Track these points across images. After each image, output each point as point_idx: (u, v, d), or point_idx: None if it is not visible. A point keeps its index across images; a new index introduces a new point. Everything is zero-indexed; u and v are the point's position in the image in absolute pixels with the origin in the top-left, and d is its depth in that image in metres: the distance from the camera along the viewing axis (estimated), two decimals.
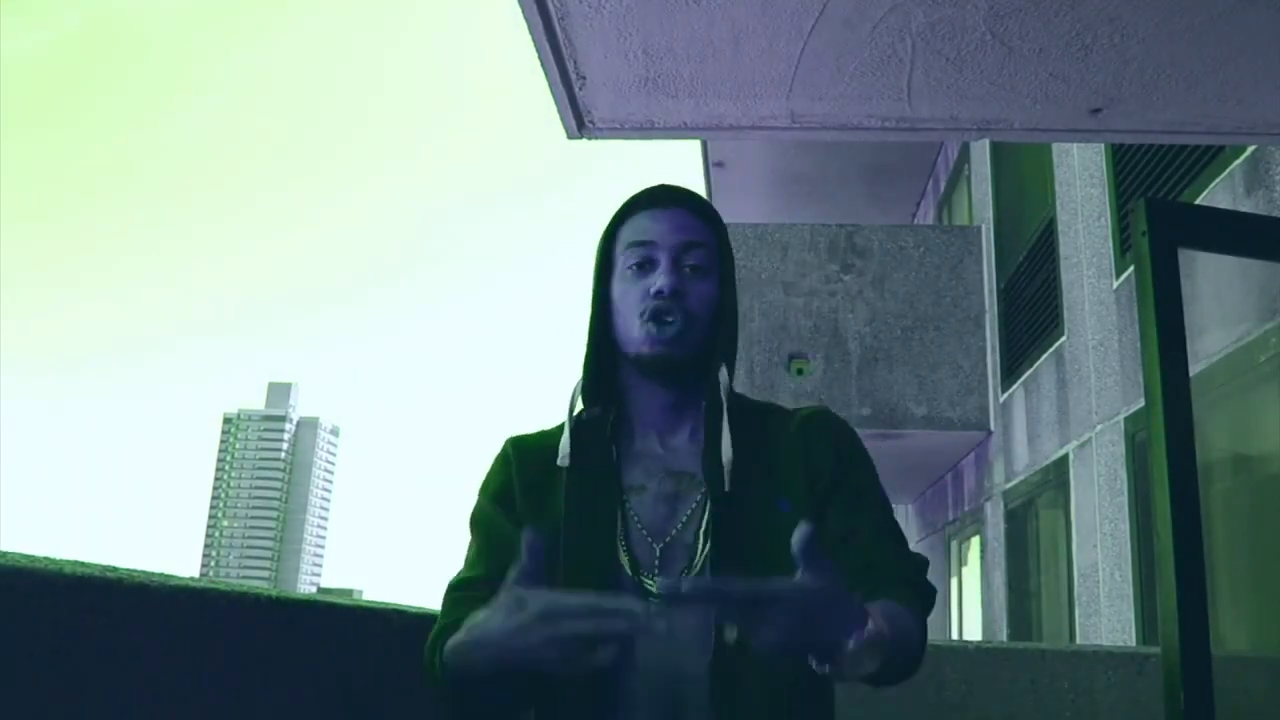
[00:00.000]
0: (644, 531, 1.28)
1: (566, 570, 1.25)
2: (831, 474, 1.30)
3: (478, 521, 1.37)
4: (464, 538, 1.44)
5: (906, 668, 1.16)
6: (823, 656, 0.99)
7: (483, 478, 1.40)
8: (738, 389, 1.36)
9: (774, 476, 1.29)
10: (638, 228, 1.34)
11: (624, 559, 1.26)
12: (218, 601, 1.37)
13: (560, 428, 1.36)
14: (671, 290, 1.28)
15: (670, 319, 1.28)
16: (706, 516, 1.26)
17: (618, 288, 1.33)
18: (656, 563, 1.26)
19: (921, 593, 1.24)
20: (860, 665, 0.99)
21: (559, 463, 1.31)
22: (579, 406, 1.36)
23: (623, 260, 1.34)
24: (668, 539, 1.27)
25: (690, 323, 1.29)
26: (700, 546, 1.25)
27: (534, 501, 1.32)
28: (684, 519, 1.28)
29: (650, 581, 1.24)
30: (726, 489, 1.25)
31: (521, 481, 1.34)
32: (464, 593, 1.30)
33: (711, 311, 1.32)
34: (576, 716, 1.24)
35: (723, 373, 1.32)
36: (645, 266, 1.32)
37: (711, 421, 1.30)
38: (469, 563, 1.35)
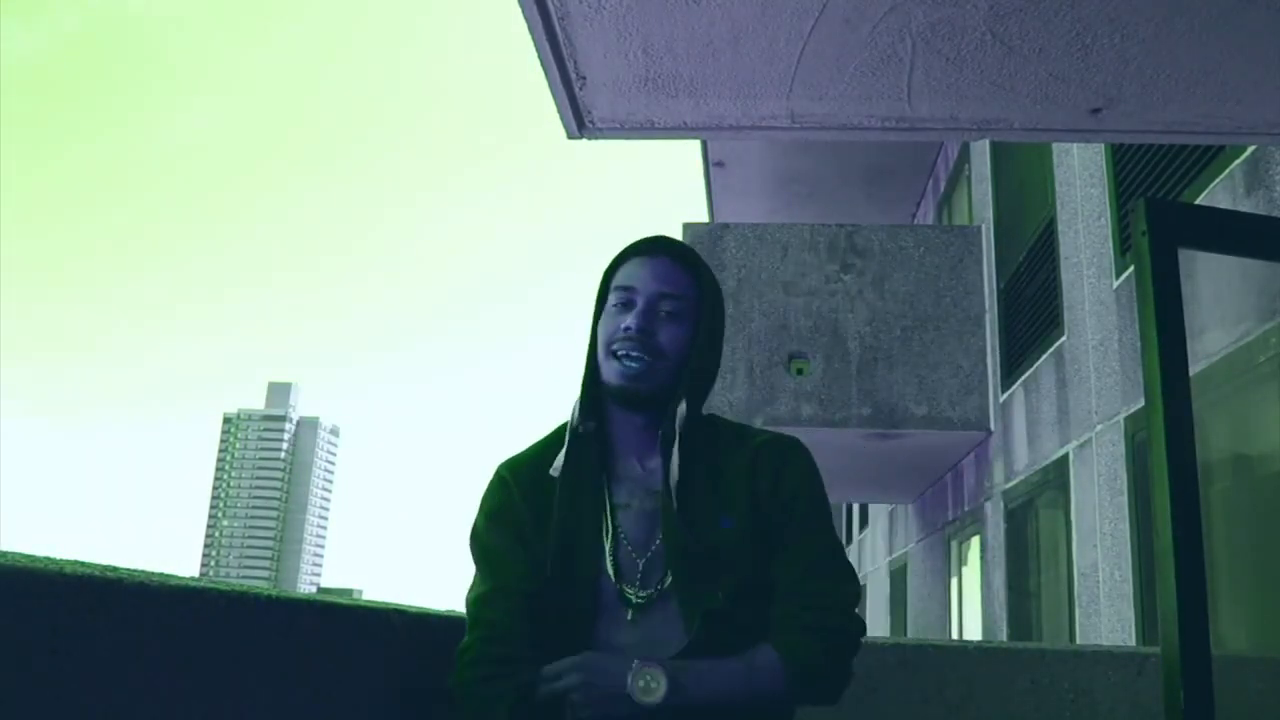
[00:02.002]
0: (629, 546, 1.42)
1: (554, 577, 1.40)
2: (776, 499, 1.44)
3: (482, 548, 1.49)
4: (464, 540, 1.47)
5: (801, 696, 1.36)
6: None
7: (480, 502, 1.51)
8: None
9: (719, 494, 1.43)
10: (626, 273, 1.49)
11: (610, 569, 1.41)
12: (218, 601, 1.37)
13: (546, 442, 1.52)
14: (639, 329, 1.43)
15: (634, 355, 1.43)
16: (663, 541, 1.41)
17: (601, 323, 1.49)
18: (639, 575, 1.41)
19: (825, 636, 1.37)
20: (649, 695, 1.27)
21: (550, 471, 1.45)
22: (575, 423, 1.49)
23: (610, 300, 1.49)
24: (650, 552, 1.42)
25: (656, 359, 1.44)
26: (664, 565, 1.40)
27: (536, 515, 1.45)
28: (660, 535, 1.42)
29: (631, 591, 1.40)
30: (674, 508, 1.39)
31: (523, 499, 1.47)
32: (485, 618, 1.44)
33: (680, 352, 1.46)
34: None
35: (682, 406, 1.44)
36: (625, 307, 1.47)
37: (665, 449, 1.44)
38: (481, 594, 1.46)
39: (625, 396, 1.45)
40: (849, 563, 1.46)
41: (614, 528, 1.43)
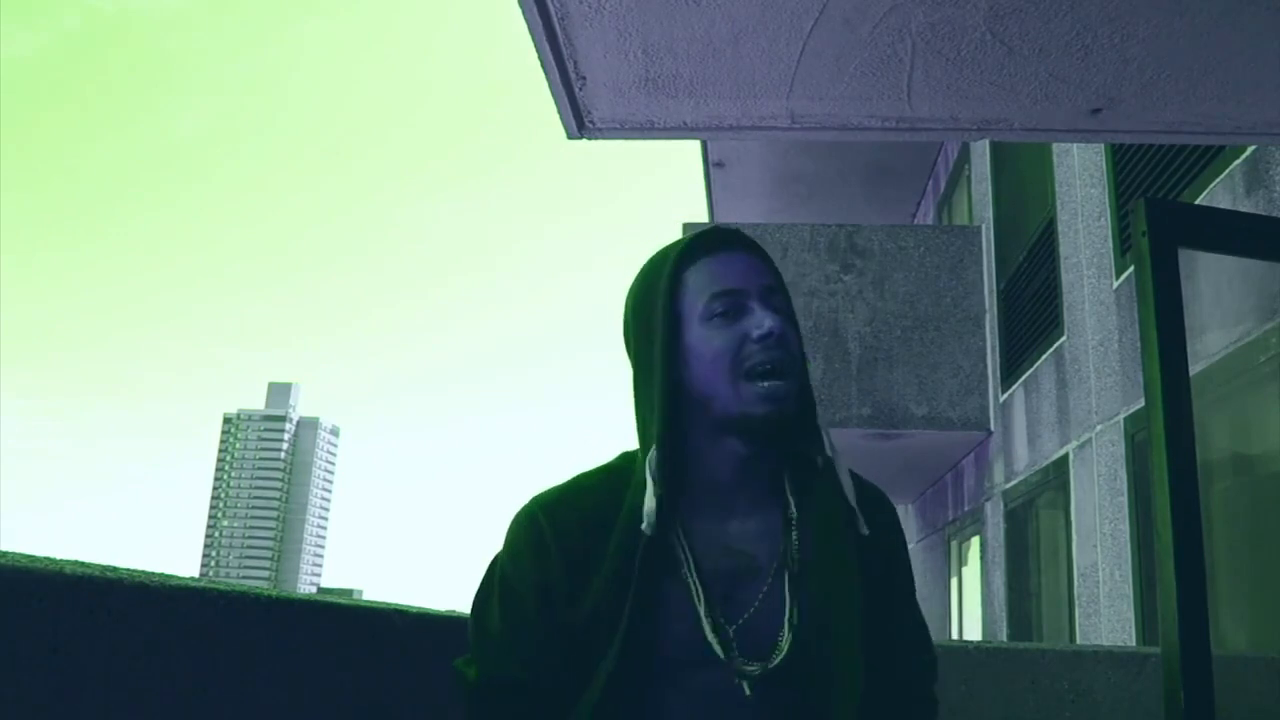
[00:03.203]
0: (717, 613, 1.15)
1: (644, 654, 1.13)
2: (889, 565, 1.23)
3: (509, 605, 1.19)
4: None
5: None
6: None
7: (511, 544, 1.20)
8: None
9: (843, 562, 1.17)
10: (713, 274, 1.18)
11: (713, 640, 1.13)
12: (217, 601, 1.37)
13: (589, 484, 1.21)
14: (780, 335, 1.14)
15: (781, 372, 1.13)
16: (788, 600, 1.16)
17: (700, 336, 1.16)
18: (734, 645, 1.14)
19: (928, 710, 1.27)
20: None
21: (644, 529, 1.12)
22: (651, 479, 1.15)
23: (704, 309, 1.16)
24: (741, 621, 1.15)
25: (796, 372, 1.16)
26: (785, 633, 1.15)
27: (576, 578, 1.15)
28: (758, 599, 1.16)
29: (748, 664, 1.13)
30: (811, 572, 1.16)
31: (564, 559, 1.16)
32: (498, 695, 1.19)
33: (803, 363, 1.19)
34: None
35: (827, 434, 1.19)
36: (735, 313, 1.16)
37: (807, 496, 1.19)
38: (499, 648, 1.20)
39: (773, 426, 1.15)
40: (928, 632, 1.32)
41: (692, 594, 1.15)
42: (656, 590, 1.14)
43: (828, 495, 1.18)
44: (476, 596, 1.24)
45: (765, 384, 1.13)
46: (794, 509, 1.18)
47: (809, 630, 1.14)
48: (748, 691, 1.12)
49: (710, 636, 1.13)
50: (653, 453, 1.14)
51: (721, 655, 1.12)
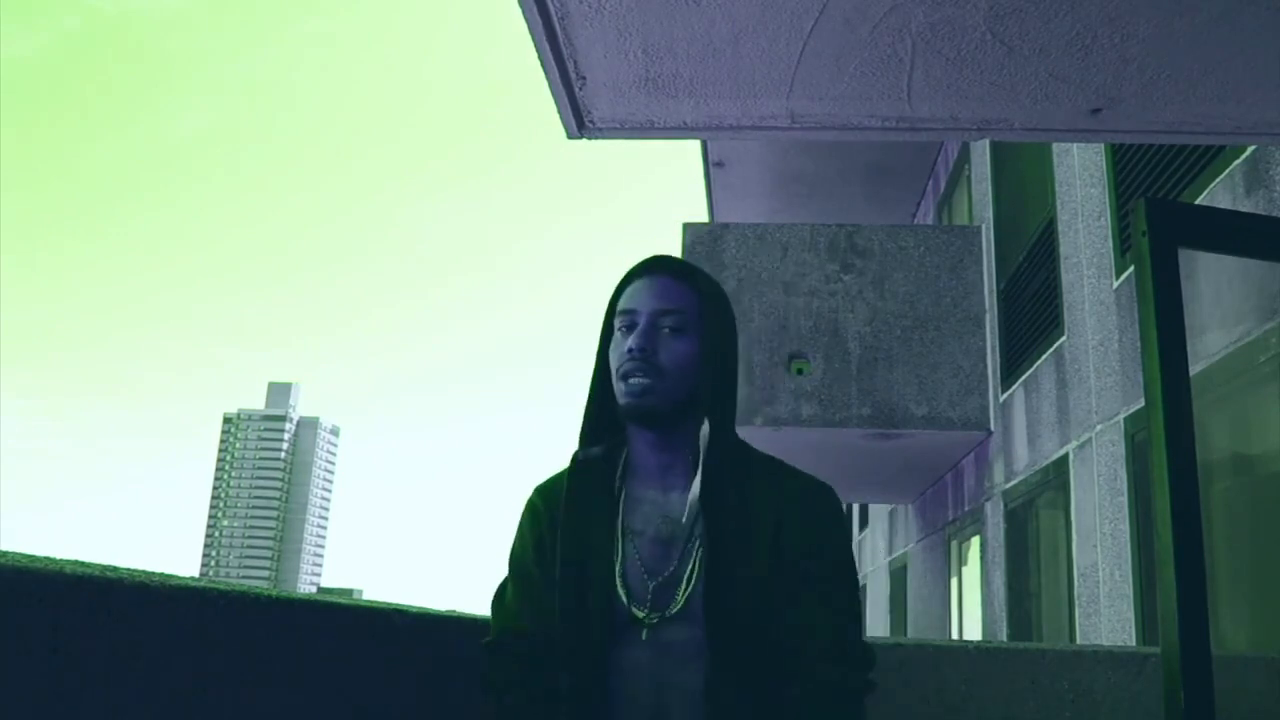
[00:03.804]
0: (642, 570, 1.45)
1: (567, 600, 1.44)
2: (804, 544, 1.44)
3: (516, 571, 1.54)
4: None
5: None
6: None
7: (517, 526, 1.57)
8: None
9: (745, 524, 1.44)
10: (627, 297, 1.51)
11: (621, 593, 1.43)
12: (217, 601, 1.37)
13: (570, 465, 1.54)
14: (639, 350, 1.45)
15: (638, 375, 1.45)
16: (695, 560, 1.43)
17: (611, 350, 1.51)
18: (649, 598, 1.43)
19: (842, 703, 1.40)
20: None
21: (561, 501, 1.48)
22: (577, 451, 1.53)
23: (615, 324, 1.51)
24: (661, 578, 1.44)
25: (659, 377, 1.45)
26: (685, 585, 1.43)
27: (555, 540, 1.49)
28: (675, 560, 1.45)
29: (641, 613, 1.42)
30: (706, 534, 1.43)
31: (551, 522, 1.51)
32: (511, 646, 1.49)
33: (687, 366, 1.47)
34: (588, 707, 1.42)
35: (705, 427, 1.47)
36: (628, 330, 1.49)
37: (706, 471, 1.46)
38: (511, 610, 1.52)
39: (637, 416, 1.46)
40: (863, 639, 1.46)
41: (624, 553, 1.45)
42: (598, 549, 1.46)
43: (731, 467, 1.47)
44: (495, 590, 1.56)
45: (625, 383, 1.45)
46: (697, 488, 1.45)
47: (699, 590, 1.40)
48: (644, 636, 1.41)
49: (620, 590, 1.43)
50: (581, 436, 1.52)
51: (626, 604, 1.42)
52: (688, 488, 1.47)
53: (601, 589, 1.43)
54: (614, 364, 1.49)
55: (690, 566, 1.43)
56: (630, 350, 1.45)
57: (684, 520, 1.46)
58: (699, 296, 1.51)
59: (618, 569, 1.44)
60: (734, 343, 1.55)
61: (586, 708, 1.41)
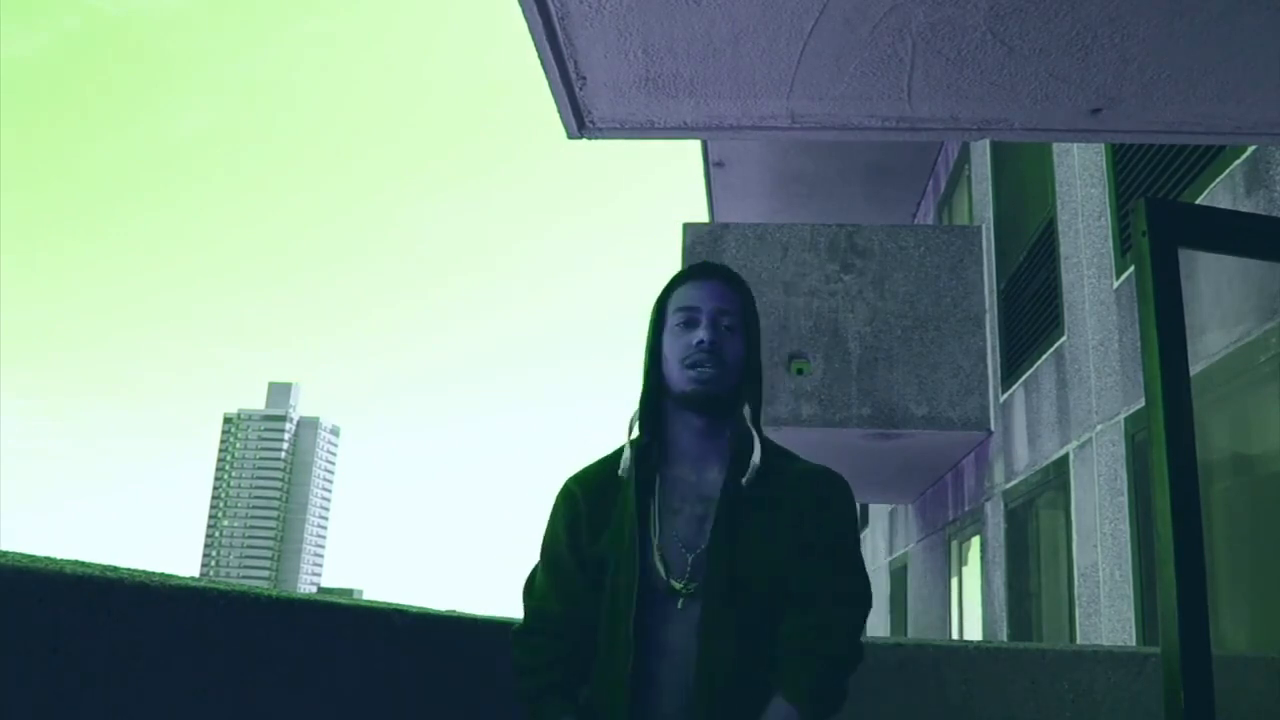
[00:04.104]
0: (680, 544, 1.59)
1: (613, 572, 1.58)
2: (816, 525, 1.61)
3: (549, 556, 1.68)
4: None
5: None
6: None
7: (550, 513, 1.71)
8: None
9: (769, 506, 1.60)
10: (685, 294, 1.69)
11: (659, 565, 1.57)
12: (217, 601, 1.37)
13: (611, 457, 1.69)
14: (710, 342, 1.63)
15: (707, 365, 1.62)
16: (721, 537, 1.57)
17: (667, 341, 1.67)
18: (688, 569, 1.57)
19: (827, 663, 1.55)
20: None
21: (620, 474, 1.63)
22: (635, 433, 1.67)
23: (672, 320, 1.68)
24: (698, 550, 1.58)
25: (723, 368, 1.63)
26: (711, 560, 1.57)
27: (598, 524, 1.64)
28: (710, 534, 1.58)
29: (679, 583, 1.56)
30: (732, 501, 1.59)
31: (588, 513, 1.65)
32: (540, 628, 1.64)
33: (739, 361, 1.66)
34: (607, 695, 1.54)
35: (746, 413, 1.64)
36: (689, 325, 1.66)
37: (737, 446, 1.62)
38: (540, 593, 1.67)
39: (701, 401, 1.63)
40: (864, 588, 1.63)
41: (662, 528, 1.60)
42: (639, 526, 1.59)
43: (753, 454, 1.62)
44: (526, 578, 1.71)
45: (693, 371, 1.62)
46: (727, 471, 1.61)
47: (723, 561, 1.55)
48: (679, 606, 1.55)
49: (657, 562, 1.57)
50: (634, 413, 1.67)
51: (664, 575, 1.56)
52: (723, 469, 1.63)
53: (643, 561, 1.56)
54: (676, 354, 1.64)
55: (717, 545, 1.56)
56: (701, 342, 1.62)
57: (717, 499, 1.60)
58: (744, 300, 1.71)
59: (655, 543, 1.58)
60: (760, 346, 1.75)
61: (626, 672, 1.52)
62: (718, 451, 1.65)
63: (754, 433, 1.63)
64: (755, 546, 1.56)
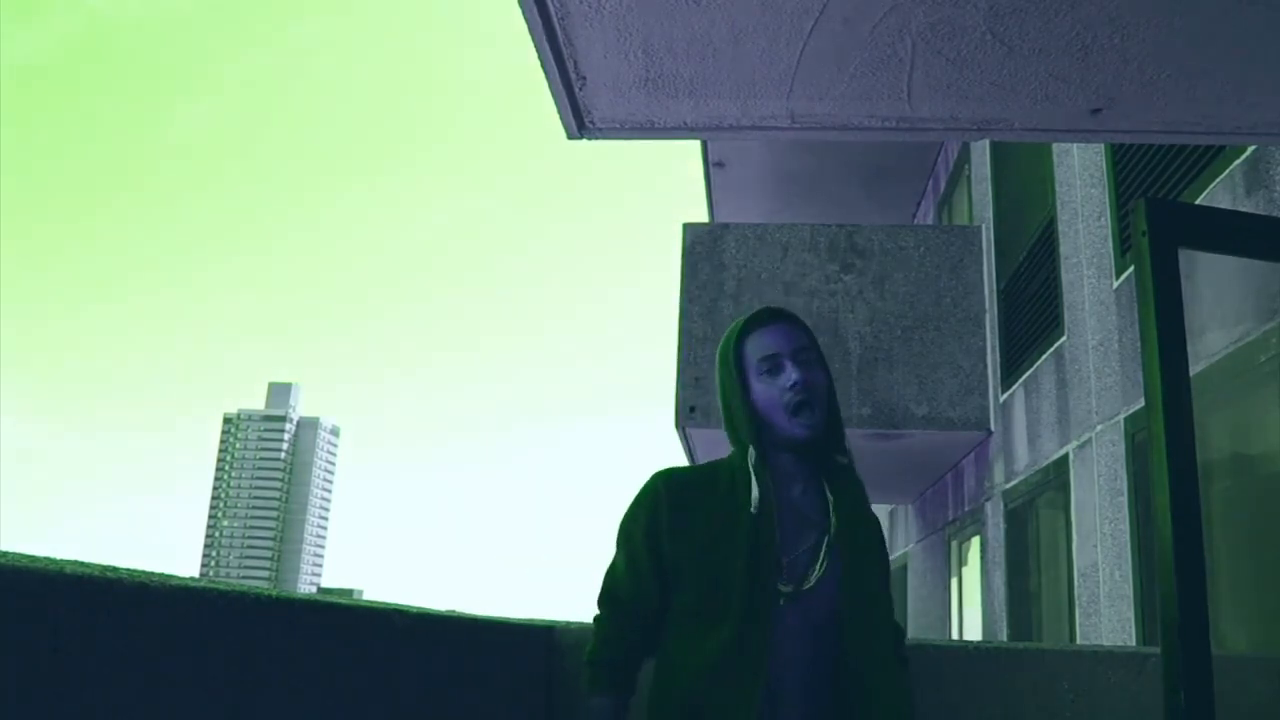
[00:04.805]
0: (778, 550, 1.73)
1: (736, 575, 1.70)
2: (880, 543, 1.84)
3: (625, 546, 1.81)
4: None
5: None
6: None
7: (635, 500, 1.83)
8: None
9: (863, 525, 1.79)
10: (761, 344, 1.80)
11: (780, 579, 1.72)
12: (217, 601, 1.37)
13: (705, 467, 1.83)
14: (803, 381, 1.75)
15: (807, 411, 1.74)
16: (824, 549, 1.74)
17: (758, 388, 1.78)
18: (784, 574, 1.72)
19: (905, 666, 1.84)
20: None
21: (752, 509, 1.72)
22: (754, 476, 1.79)
23: (758, 368, 1.78)
24: (791, 557, 1.73)
25: (819, 405, 1.76)
26: (818, 567, 1.73)
27: (680, 529, 1.75)
28: (806, 547, 1.74)
29: (783, 585, 1.70)
30: (841, 531, 1.77)
31: (671, 514, 1.77)
32: (614, 611, 1.81)
33: (826, 392, 1.79)
34: (731, 700, 1.66)
35: (848, 444, 1.82)
36: (774, 372, 1.77)
37: (837, 482, 1.79)
38: (618, 574, 1.81)
39: (807, 446, 1.76)
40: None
41: (775, 544, 1.73)
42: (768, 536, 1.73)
43: (851, 483, 1.81)
44: (612, 559, 1.85)
45: (800, 418, 1.74)
46: (829, 491, 1.79)
47: (835, 568, 1.72)
48: (781, 603, 1.68)
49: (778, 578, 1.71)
50: (753, 458, 1.75)
51: (771, 579, 1.69)
52: (820, 491, 1.78)
53: (761, 563, 1.69)
54: (775, 400, 1.75)
55: (821, 553, 1.73)
56: (796, 383, 1.74)
57: (816, 515, 1.76)
58: (811, 336, 1.83)
59: (781, 560, 1.73)
60: None
61: (745, 660, 1.65)
62: (811, 474, 1.80)
63: (850, 460, 1.81)
64: (865, 571, 1.76)
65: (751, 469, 1.77)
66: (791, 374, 1.75)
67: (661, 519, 1.77)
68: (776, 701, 1.68)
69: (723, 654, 1.68)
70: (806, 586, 1.72)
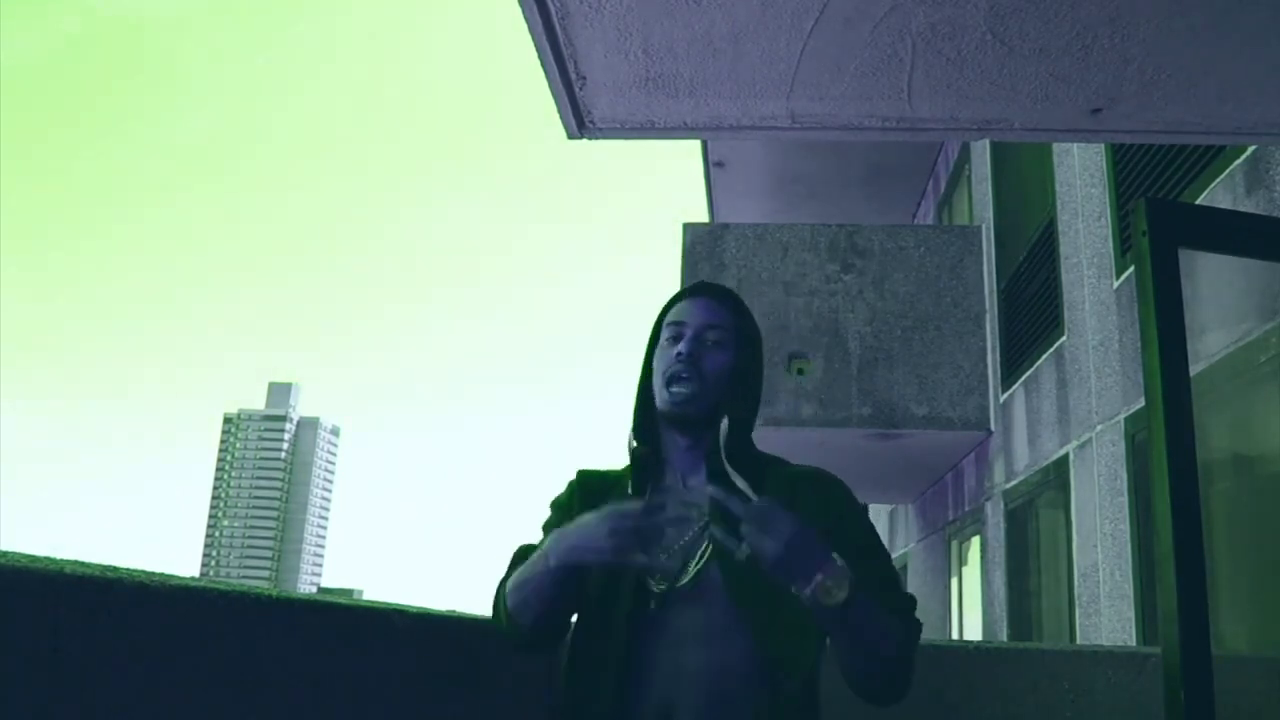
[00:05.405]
0: (654, 546, 1.58)
1: (599, 569, 1.58)
2: (821, 524, 1.55)
3: (546, 528, 1.71)
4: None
5: (893, 673, 1.48)
6: (801, 583, 1.34)
7: (554, 497, 1.77)
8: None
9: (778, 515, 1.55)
10: (677, 311, 1.71)
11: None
12: (217, 601, 1.37)
13: (622, 469, 1.73)
14: (687, 354, 1.64)
15: (680, 384, 1.63)
16: (706, 538, 1.57)
17: (656, 356, 1.70)
18: (659, 572, 1.59)
19: (908, 621, 1.51)
20: (829, 595, 1.34)
21: (630, 492, 1.65)
22: (634, 444, 1.71)
23: (663, 335, 1.70)
24: (668, 552, 1.59)
25: (701, 383, 1.63)
26: (696, 561, 1.59)
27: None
28: (686, 537, 1.60)
29: (654, 581, 1.58)
30: (709, 521, 1.55)
31: (582, 505, 1.66)
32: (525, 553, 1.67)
33: (722, 376, 1.66)
34: (598, 684, 1.54)
35: (724, 423, 1.64)
36: (676, 340, 1.67)
37: (711, 465, 1.64)
38: (520, 560, 1.67)
39: (677, 420, 1.65)
40: (909, 604, 1.55)
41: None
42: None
43: (755, 473, 1.62)
44: (519, 547, 1.72)
45: (668, 391, 1.63)
46: (735, 480, 1.59)
47: (711, 564, 1.55)
48: (652, 605, 1.56)
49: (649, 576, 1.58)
50: (630, 441, 1.70)
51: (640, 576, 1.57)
52: (705, 479, 1.63)
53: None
54: (660, 368, 1.66)
55: (701, 546, 1.58)
56: (679, 354, 1.64)
57: (696, 503, 1.59)
58: (737, 318, 1.72)
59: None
60: (760, 361, 1.75)
61: (602, 672, 1.54)
62: (703, 461, 1.67)
63: (721, 446, 1.62)
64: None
65: (628, 450, 1.70)
66: (681, 346, 1.64)
67: (575, 510, 1.66)
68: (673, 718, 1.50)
69: (581, 660, 1.59)
70: (681, 584, 1.57)
